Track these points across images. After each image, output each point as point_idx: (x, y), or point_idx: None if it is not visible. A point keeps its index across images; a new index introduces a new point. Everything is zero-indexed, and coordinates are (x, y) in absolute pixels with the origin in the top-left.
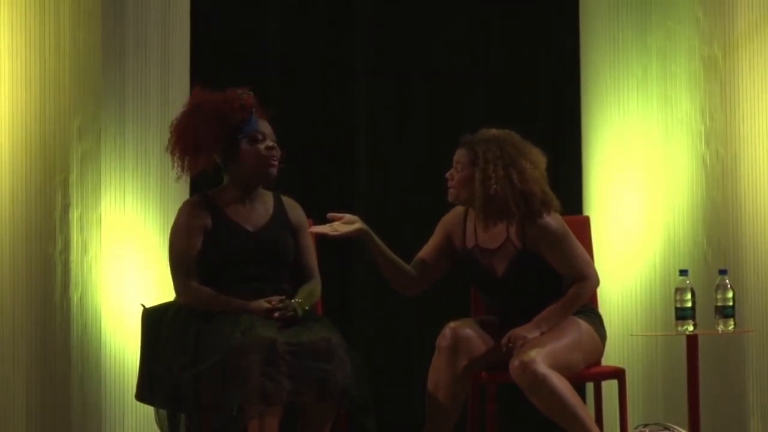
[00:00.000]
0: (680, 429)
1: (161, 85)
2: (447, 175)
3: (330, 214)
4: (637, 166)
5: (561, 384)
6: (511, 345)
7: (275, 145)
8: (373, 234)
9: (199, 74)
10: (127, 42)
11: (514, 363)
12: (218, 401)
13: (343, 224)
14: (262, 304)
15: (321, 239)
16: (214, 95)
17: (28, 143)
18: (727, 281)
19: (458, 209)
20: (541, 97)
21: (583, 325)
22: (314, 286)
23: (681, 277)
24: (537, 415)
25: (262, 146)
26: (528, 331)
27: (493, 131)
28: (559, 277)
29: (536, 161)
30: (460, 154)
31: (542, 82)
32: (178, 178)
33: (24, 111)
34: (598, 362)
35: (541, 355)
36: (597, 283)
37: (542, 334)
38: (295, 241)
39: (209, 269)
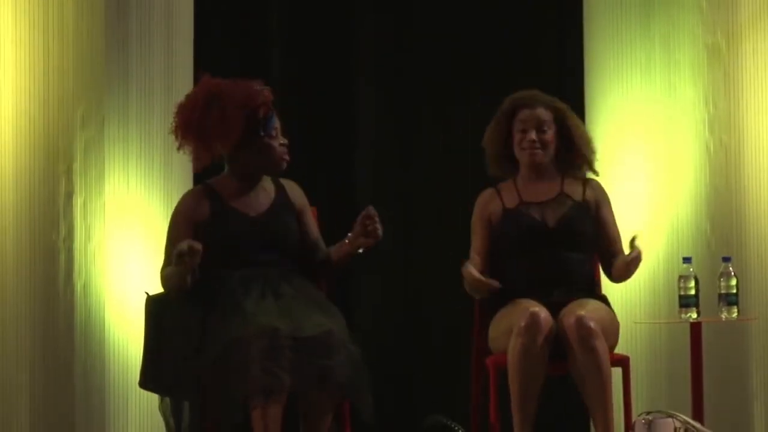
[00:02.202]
0: (684, 416)
1: (165, 72)
2: (531, 138)
3: None
4: (640, 153)
5: (605, 349)
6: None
7: (287, 141)
8: None
9: (202, 61)
10: (131, 29)
11: (570, 319)
12: (221, 392)
13: None
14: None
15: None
16: (233, 87)
17: (32, 131)
18: (731, 269)
19: (485, 192)
20: (545, 84)
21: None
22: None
23: (684, 265)
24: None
25: (277, 143)
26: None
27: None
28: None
29: None
30: (544, 114)
31: (545, 70)
32: (197, 168)
33: (27, 99)
34: (613, 347)
35: (594, 317)
36: None
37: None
38: (299, 220)
39: (214, 257)
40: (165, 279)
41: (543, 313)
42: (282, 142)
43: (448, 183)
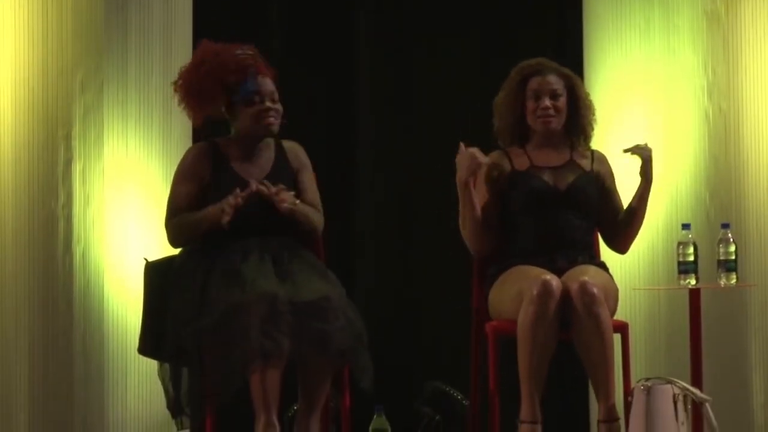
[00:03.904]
0: (682, 383)
1: (163, 38)
2: (545, 105)
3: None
4: (639, 120)
5: (608, 315)
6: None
7: (271, 105)
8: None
9: (201, 26)
10: None
11: (573, 285)
12: (220, 358)
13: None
14: (228, 200)
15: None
16: (216, 53)
17: (31, 98)
18: (730, 235)
19: (493, 153)
20: (543, 49)
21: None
22: (313, 212)
23: (683, 232)
24: None
25: (255, 108)
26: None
27: None
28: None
29: None
30: (555, 81)
31: (544, 35)
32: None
33: (26, 65)
34: (613, 314)
35: (596, 283)
36: None
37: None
38: (296, 180)
39: None
40: (189, 225)
41: (555, 281)
42: (269, 105)
43: (448, 183)
